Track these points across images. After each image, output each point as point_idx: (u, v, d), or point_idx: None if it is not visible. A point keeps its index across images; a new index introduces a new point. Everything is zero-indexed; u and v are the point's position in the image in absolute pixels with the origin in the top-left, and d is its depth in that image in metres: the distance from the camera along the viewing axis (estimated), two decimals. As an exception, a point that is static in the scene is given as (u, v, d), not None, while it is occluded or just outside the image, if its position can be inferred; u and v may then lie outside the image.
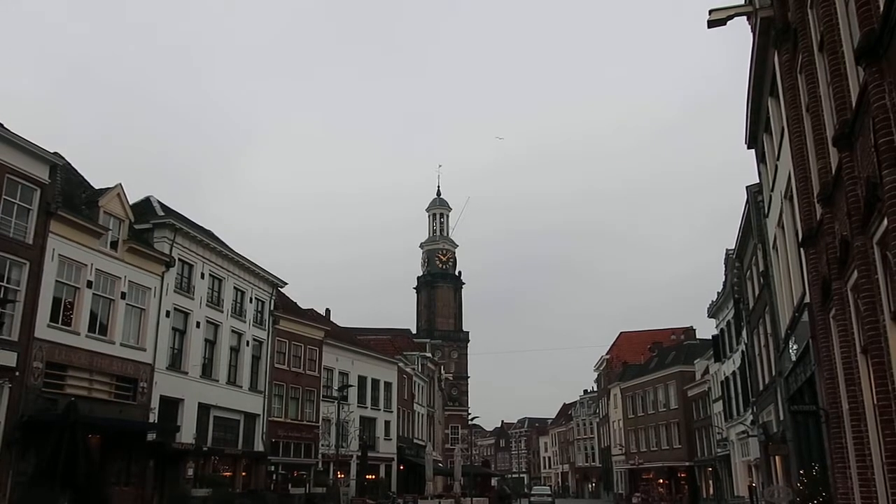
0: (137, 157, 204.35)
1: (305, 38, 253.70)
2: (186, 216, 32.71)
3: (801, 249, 12.67)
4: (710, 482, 54.59)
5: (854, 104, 7.44)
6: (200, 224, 33.82)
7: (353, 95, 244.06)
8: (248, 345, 34.70)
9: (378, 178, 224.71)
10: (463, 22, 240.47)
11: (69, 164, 25.75)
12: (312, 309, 47.48)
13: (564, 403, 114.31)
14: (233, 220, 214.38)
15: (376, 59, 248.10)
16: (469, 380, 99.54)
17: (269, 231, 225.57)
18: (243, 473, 33.50)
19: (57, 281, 22.95)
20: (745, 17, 14.04)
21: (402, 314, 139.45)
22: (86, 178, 27.92)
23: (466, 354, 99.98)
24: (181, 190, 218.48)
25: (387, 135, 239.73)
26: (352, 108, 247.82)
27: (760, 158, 18.82)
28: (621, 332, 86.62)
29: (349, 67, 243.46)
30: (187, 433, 28.97)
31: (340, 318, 64.97)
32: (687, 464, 59.73)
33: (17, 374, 20.94)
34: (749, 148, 19.19)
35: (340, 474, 40.93)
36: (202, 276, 31.19)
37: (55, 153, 22.85)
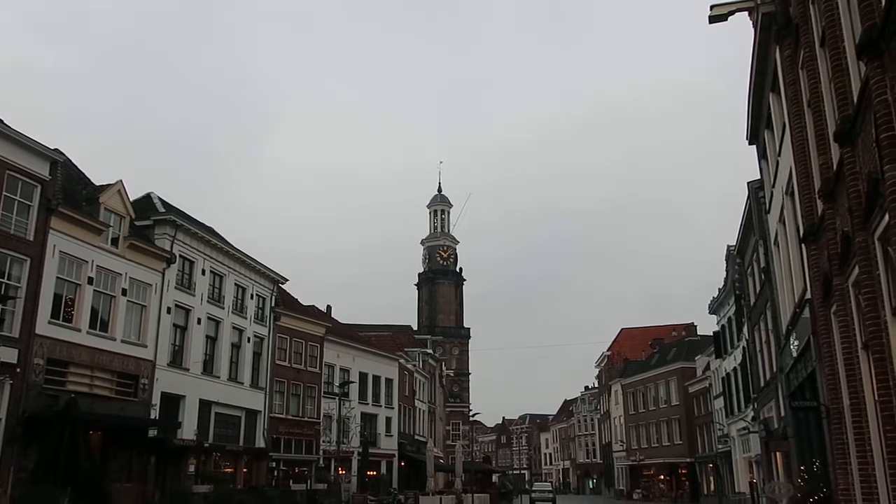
0: (159, 131, 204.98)
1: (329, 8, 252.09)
2: (187, 212, 32.71)
3: (803, 245, 12.66)
4: (711, 478, 54.59)
5: (856, 99, 7.41)
6: (202, 221, 33.85)
7: (351, 78, 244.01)
8: (249, 341, 34.72)
9: (380, 164, 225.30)
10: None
11: (69, 160, 25.73)
12: (314, 305, 47.56)
13: (566, 399, 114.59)
14: (248, 198, 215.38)
15: (392, 33, 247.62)
16: (470, 376, 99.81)
17: (279, 213, 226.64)
18: (244, 470, 33.52)
19: (58, 277, 22.96)
20: (746, 13, 14.00)
21: (404, 310, 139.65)
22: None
23: (467, 351, 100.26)
24: (201, 166, 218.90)
25: (399, 116, 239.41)
26: (358, 90, 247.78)
27: (762, 154, 18.77)
28: (622, 329, 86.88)
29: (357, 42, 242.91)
30: (188, 430, 29.02)
31: (341, 315, 65.11)
32: (688, 460, 59.76)
33: (19, 370, 20.97)
34: (750, 144, 19.13)
35: (342, 470, 40.99)
36: (203, 272, 31.20)
37: (55, 150, 22.84)
